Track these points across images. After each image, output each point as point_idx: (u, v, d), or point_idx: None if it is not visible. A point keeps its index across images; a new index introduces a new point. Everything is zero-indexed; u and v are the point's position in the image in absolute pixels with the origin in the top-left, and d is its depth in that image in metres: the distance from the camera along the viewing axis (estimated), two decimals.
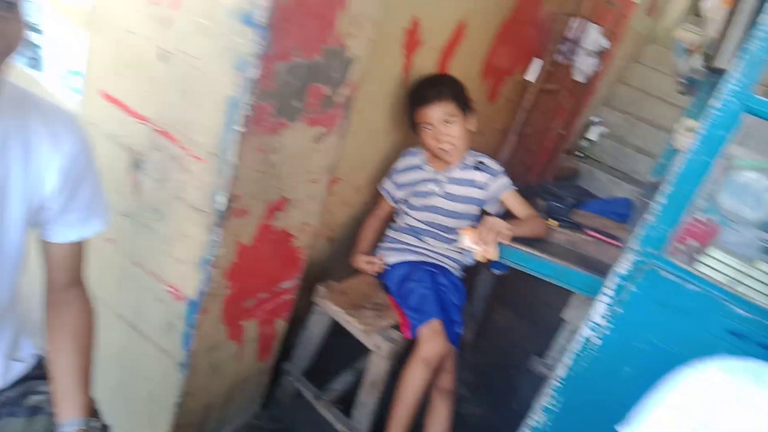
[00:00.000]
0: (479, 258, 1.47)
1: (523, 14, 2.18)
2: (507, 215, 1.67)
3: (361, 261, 1.70)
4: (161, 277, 1.21)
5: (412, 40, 1.61)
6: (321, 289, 1.58)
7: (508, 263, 1.63)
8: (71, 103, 1.26)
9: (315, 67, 1.09)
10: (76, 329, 0.89)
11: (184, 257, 1.16)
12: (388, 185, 1.76)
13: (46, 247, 0.86)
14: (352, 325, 1.49)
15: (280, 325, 1.51)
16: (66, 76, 1.30)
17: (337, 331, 1.59)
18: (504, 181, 1.69)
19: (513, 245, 1.55)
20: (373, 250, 1.76)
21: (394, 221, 1.81)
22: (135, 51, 1.08)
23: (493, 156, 1.82)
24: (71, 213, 0.83)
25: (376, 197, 1.83)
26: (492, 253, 1.46)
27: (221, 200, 1.07)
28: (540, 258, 1.60)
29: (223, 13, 0.95)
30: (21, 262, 0.83)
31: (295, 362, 1.66)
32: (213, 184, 1.07)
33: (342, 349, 1.66)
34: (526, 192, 1.82)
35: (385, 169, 1.80)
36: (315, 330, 1.62)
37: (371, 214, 1.80)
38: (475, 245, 1.46)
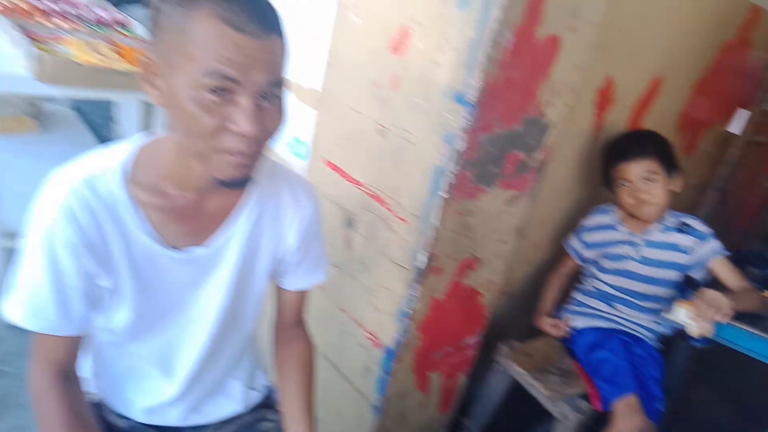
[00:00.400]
0: (694, 334, 1.35)
1: (725, 64, 2.02)
2: (714, 283, 1.52)
3: (546, 323, 1.66)
4: (363, 324, 1.34)
5: (604, 99, 1.60)
6: (503, 348, 1.58)
7: (714, 338, 1.47)
8: (295, 165, 1.48)
9: (514, 135, 1.15)
10: (301, 362, 1.00)
11: (384, 308, 1.28)
12: (575, 243, 1.71)
13: (280, 292, 1.01)
14: (537, 389, 1.46)
15: (462, 379, 1.55)
16: (293, 143, 1.54)
17: (517, 391, 1.57)
18: (714, 245, 1.54)
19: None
20: (556, 311, 1.72)
21: (579, 281, 1.75)
22: (356, 126, 1.26)
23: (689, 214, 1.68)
24: (303, 265, 0.97)
25: (557, 254, 1.79)
26: (709, 331, 1.33)
27: (422, 258, 1.17)
28: (755, 335, 1.42)
29: (437, 93, 1.07)
30: (261, 306, 0.99)
31: (473, 419, 1.68)
32: (415, 243, 1.17)
33: (522, 412, 1.63)
34: (734, 257, 1.64)
35: (567, 226, 1.77)
36: (495, 389, 1.62)
37: (554, 271, 1.76)
38: (692, 320, 1.34)
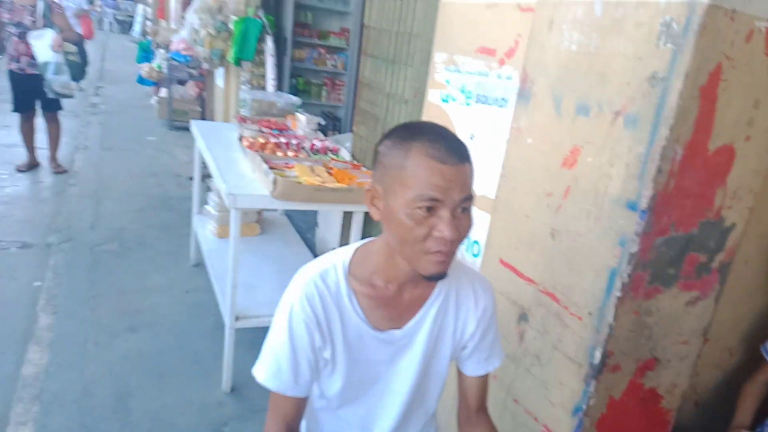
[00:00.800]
0: None
1: None
2: None
3: None
4: (537, 416, 1.39)
5: None
6: None
7: None
8: (468, 262, 1.65)
9: (692, 238, 1.19)
10: None
11: (558, 402, 1.32)
12: None
13: (461, 379, 1.14)
14: None
15: None
16: (469, 244, 1.72)
17: None
18: None
19: None
20: (757, 425, 1.57)
21: None
22: (529, 230, 1.39)
23: None
24: (480, 352, 1.09)
25: (753, 360, 1.65)
26: None
27: (597, 355, 1.22)
28: None
29: (608, 201, 1.17)
30: (442, 386, 1.12)
31: None
32: (590, 340, 1.23)
33: None
34: None
35: (764, 329, 1.64)
36: None
37: (751, 379, 1.62)
38: None
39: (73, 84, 4.41)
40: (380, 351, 1.02)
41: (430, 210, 0.85)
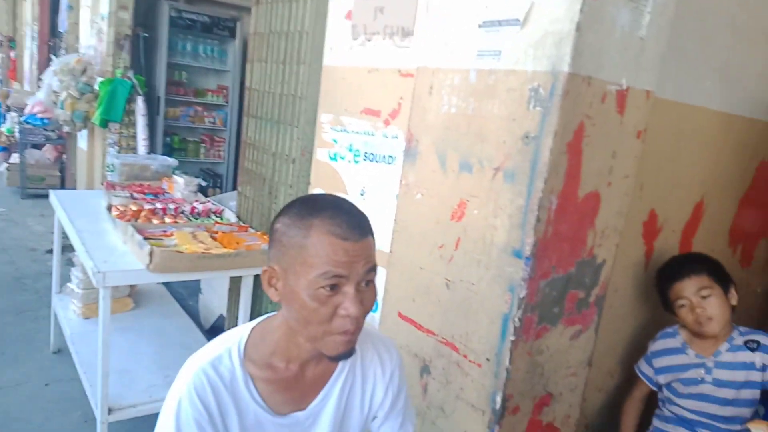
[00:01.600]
0: None
1: (766, 178, 2.14)
2: None
3: None
4: None
5: (651, 230, 1.73)
6: None
7: None
8: (369, 318, 1.64)
9: (570, 277, 1.29)
10: None
11: None
12: (645, 369, 1.73)
13: None
14: None
15: None
16: None
17: None
18: None
19: None
20: None
21: (657, 406, 1.74)
22: (425, 281, 1.43)
23: (760, 323, 1.68)
24: (394, 419, 1.06)
25: (629, 379, 1.80)
26: None
27: (498, 400, 1.25)
28: None
29: (495, 251, 1.25)
30: None
31: None
32: (490, 386, 1.27)
33: None
34: None
35: (636, 350, 1.80)
36: None
37: (629, 397, 1.76)
38: None
39: None
40: None
41: (334, 288, 0.84)
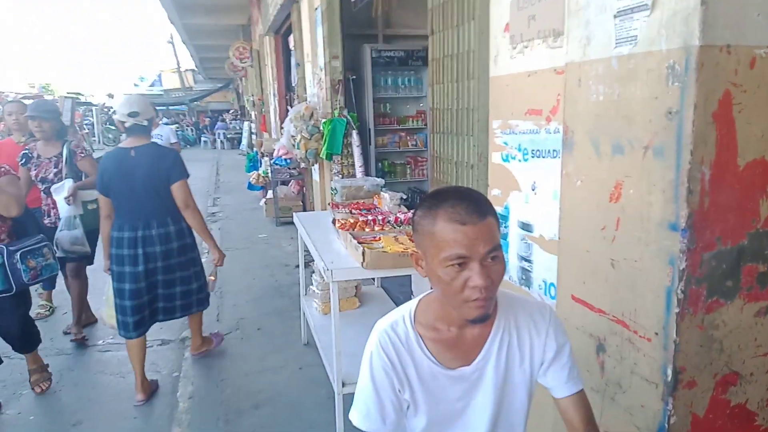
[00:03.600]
0: None
1: None
2: None
3: None
4: None
5: None
6: None
7: None
8: (551, 305, 1.75)
9: (743, 250, 1.25)
10: None
11: (643, 425, 1.36)
12: None
13: (558, 405, 1.17)
14: None
15: None
16: (545, 287, 1.84)
17: None
18: None
19: None
20: None
21: None
22: (592, 263, 1.51)
23: None
24: (558, 370, 1.15)
25: None
26: None
27: (669, 372, 1.27)
28: None
29: (653, 226, 1.29)
30: (526, 418, 1.20)
31: None
32: (661, 359, 1.30)
33: None
34: None
35: None
36: None
37: None
38: None
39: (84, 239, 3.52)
40: (455, 388, 1.15)
41: (462, 265, 0.99)
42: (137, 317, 2.90)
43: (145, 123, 2.84)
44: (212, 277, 3.35)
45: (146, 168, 2.79)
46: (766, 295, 1.29)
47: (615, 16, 1.33)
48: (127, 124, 2.82)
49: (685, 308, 1.24)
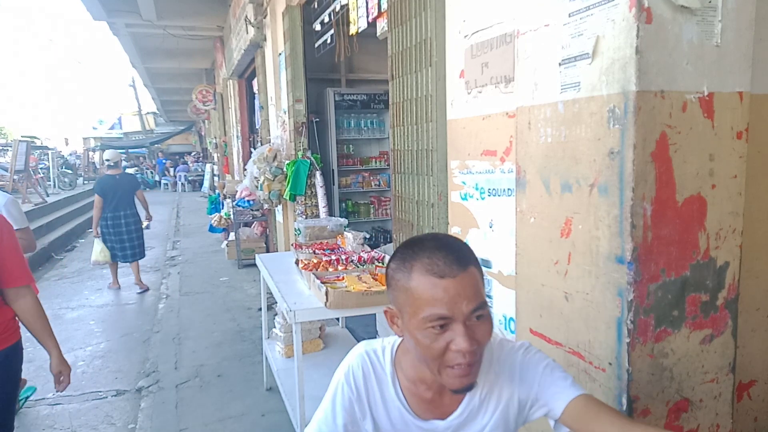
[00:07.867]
0: None
1: None
2: None
3: None
4: None
5: None
6: None
7: None
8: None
9: (686, 280, 1.32)
10: None
11: None
12: None
13: (567, 418, 1.00)
14: None
15: None
16: (505, 322, 1.87)
17: None
18: None
19: None
20: None
21: None
22: (547, 297, 1.56)
23: None
24: (552, 384, 1.04)
25: None
26: None
27: (624, 402, 1.31)
28: None
29: (602, 259, 1.35)
30: None
31: None
32: (615, 389, 1.34)
33: None
34: None
35: None
36: None
37: None
38: None
39: None
40: None
41: (443, 327, 0.89)
42: (116, 252, 6.06)
43: (114, 164, 6.12)
44: None
45: (124, 184, 6.04)
46: (710, 323, 1.36)
47: (560, 64, 1.43)
48: (109, 164, 6.17)
49: (635, 338, 1.29)
